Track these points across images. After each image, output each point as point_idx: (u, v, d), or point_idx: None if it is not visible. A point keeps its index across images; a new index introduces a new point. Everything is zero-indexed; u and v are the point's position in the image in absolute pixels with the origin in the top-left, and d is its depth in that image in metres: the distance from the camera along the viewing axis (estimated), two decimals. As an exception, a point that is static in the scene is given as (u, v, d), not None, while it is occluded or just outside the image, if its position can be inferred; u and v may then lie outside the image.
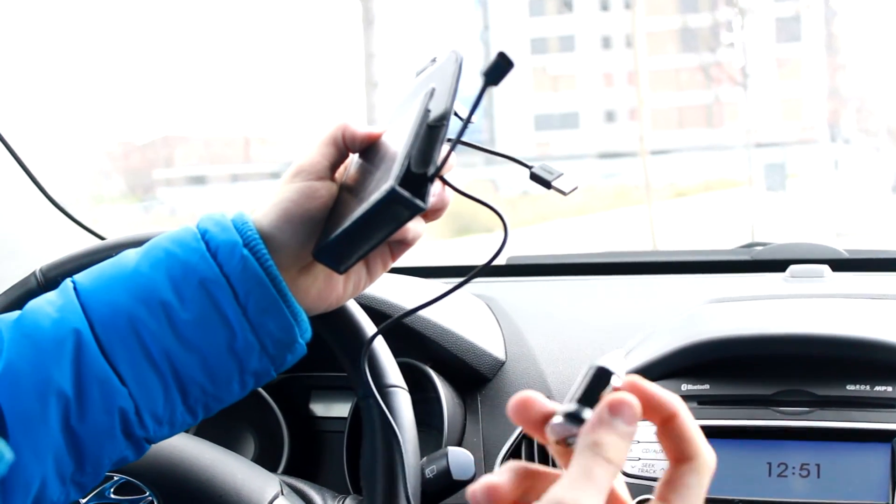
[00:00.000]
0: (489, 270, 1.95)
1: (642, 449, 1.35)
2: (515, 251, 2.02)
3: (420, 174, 0.91)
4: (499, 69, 0.86)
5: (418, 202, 0.90)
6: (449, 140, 0.93)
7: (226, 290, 0.98)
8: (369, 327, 1.15)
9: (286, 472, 1.57)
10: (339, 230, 0.94)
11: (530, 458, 1.42)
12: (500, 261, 1.97)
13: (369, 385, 1.13)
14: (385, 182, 0.89)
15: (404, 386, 1.15)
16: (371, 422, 1.11)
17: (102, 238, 1.69)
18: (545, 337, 1.58)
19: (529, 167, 1.06)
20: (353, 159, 1.05)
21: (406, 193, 0.89)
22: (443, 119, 0.92)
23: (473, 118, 0.93)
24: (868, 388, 1.33)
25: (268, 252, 0.99)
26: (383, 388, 1.14)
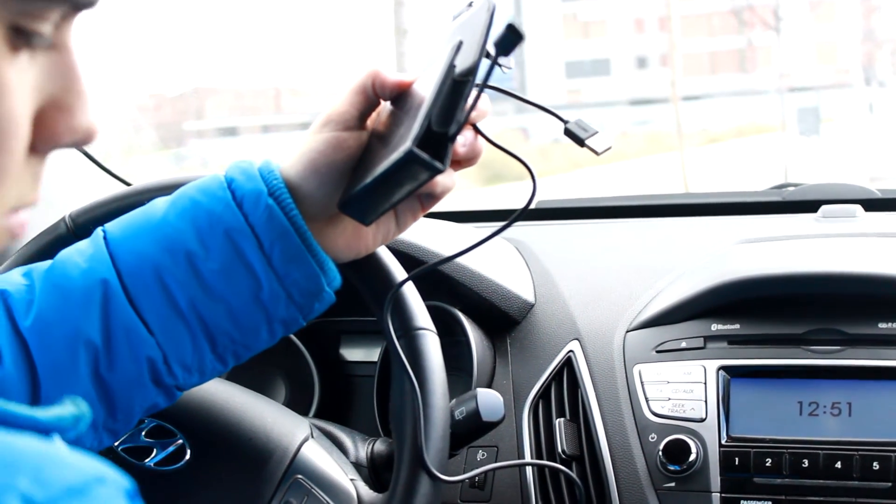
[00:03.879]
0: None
1: (672, 390, 1.35)
2: (548, 197, 2.02)
3: (441, 133, 0.90)
4: (508, 41, 0.85)
5: (437, 164, 0.89)
6: (477, 86, 0.92)
7: (251, 240, 0.98)
8: (399, 272, 1.14)
9: (317, 416, 1.58)
10: (361, 185, 0.94)
11: (560, 400, 1.42)
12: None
13: (397, 327, 1.13)
14: (405, 141, 0.89)
15: (433, 328, 1.15)
16: (399, 364, 1.11)
17: (129, 184, 1.69)
18: (574, 279, 1.57)
19: (565, 122, 1.04)
20: (386, 105, 1.04)
21: (424, 155, 0.89)
22: (468, 75, 0.90)
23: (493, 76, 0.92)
24: (900, 325, 1.32)
25: (293, 202, 0.99)
26: (411, 330, 1.13)
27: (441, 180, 1.00)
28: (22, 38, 0.53)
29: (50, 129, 0.57)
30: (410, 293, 1.15)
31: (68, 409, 0.53)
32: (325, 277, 1.02)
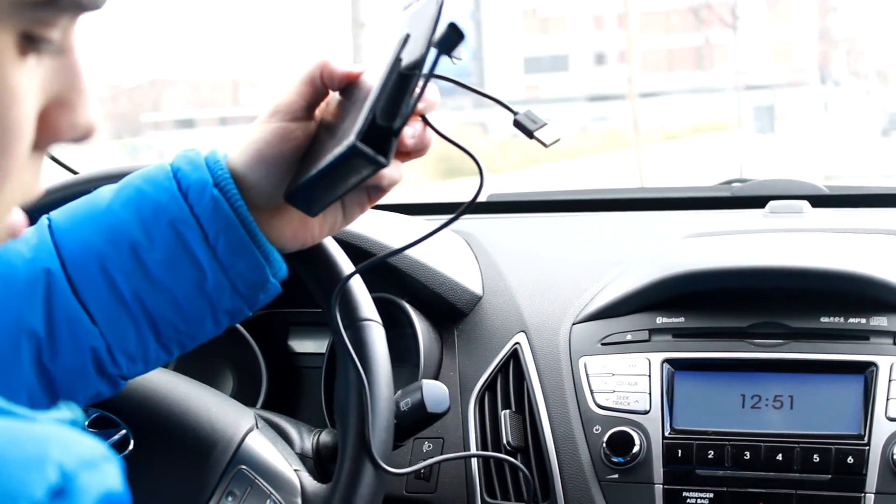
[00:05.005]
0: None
1: (616, 382, 1.35)
2: (503, 191, 2.02)
3: (385, 127, 0.90)
4: (449, 40, 0.85)
5: (380, 158, 0.90)
6: (424, 76, 0.91)
7: (195, 231, 0.97)
8: (346, 264, 1.14)
9: (264, 407, 1.57)
10: (307, 177, 0.95)
11: (505, 392, 1.42)
12: (481, 198, 1.96)
13: (343, 318, 1.12)
14: (348, 135, 0.89)
15: (378, 320, 1.15)
16: (345, 355, 1.11)
17: (76, 173, 1.68)
18: (523, 272, 1.58)
19: (514, 113, 1.04)
20: (335, 95, 1.04)
21: (367, 150, 0.89)
22: (414, 69, 0.90)
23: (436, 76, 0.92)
24: (842, 320, 1.34)
25: (238, 192, 0.98)
26: (357, 321, 1.13)
27: (387, 173, 1.00)
28: (32, 44, 0.53)
29: (53, 127, 0.57)
30: (357, 285, 1.15)
31: (65, 413, 0.54)
32: (271, 268, 1.02)
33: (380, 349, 1.13)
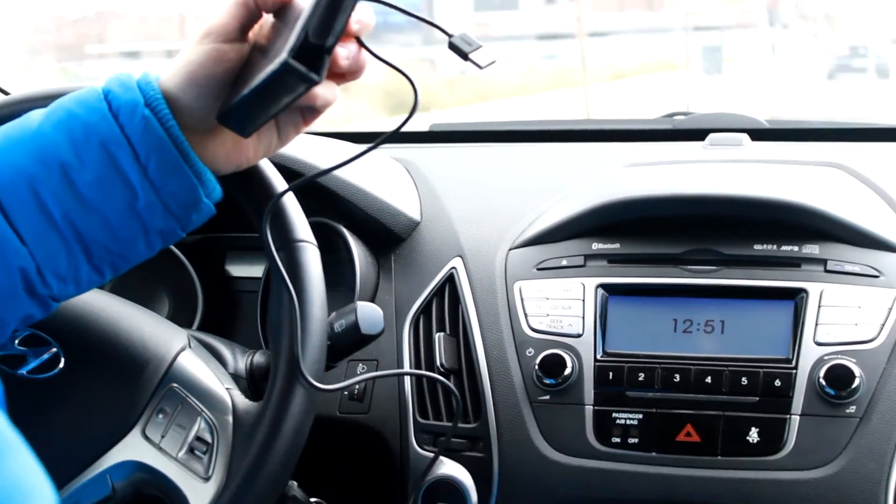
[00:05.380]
0: (411, 137, 1.94)
1: (551, 306, 1.36)
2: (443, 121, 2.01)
3: (318, 45, 0.91)
4: None
5: (312, 75, 0.91)
6: None
7: (126, 151, 0.97)
8: (280, 184, 1.14)
9: (200, 330, 1.57)
10: (239, 97, 0.95)
11: (441, 316, 1.43)
12: (423, 127, 1.96)
13: (277, 239, 1.12)
14: (281, 53, 0.89)
15: (313, 241, 1.15)
16: (278, 276, 1.10)
17: (7, 94, 1.65)
18: (462, 199, 1.58)
19: (449, 35, 1.04)
20: (268, 17, 1.03)
21: (299, 67, 0.90)
22: None
23: None
24: (775, 247, 1.35)
25: (170, 112, 0.98)
26: (291, 242, 1.13)
27: (321, 93, 0.99)
28: None
29: None
30: (291, 205, 1.15)
31: None
32: (204, 189, 1.01)
33: (314, 270, 1.13)
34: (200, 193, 1.01)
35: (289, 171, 1.33)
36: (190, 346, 1.19)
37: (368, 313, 1.19)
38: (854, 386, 1.25)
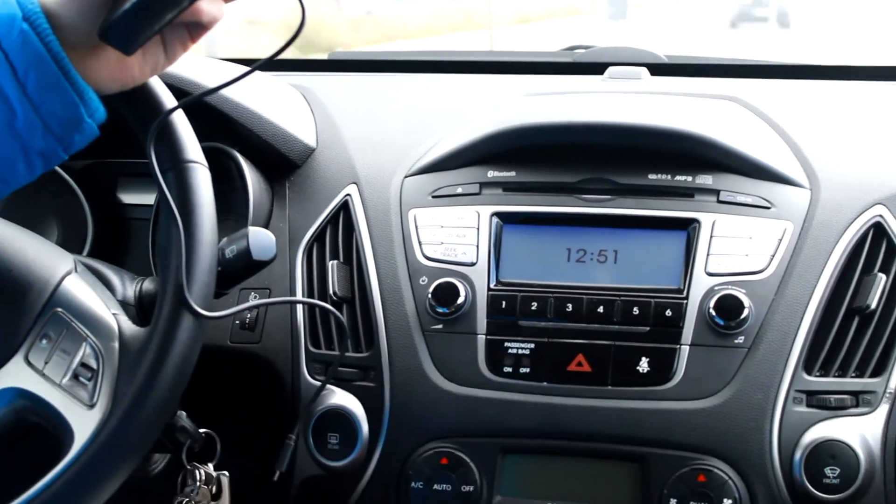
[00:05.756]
0: (310, 65, 1.92)
1: (445, 234, 1.36)
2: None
3: None
4: None
5: None
6: None
7: (4, 66, 0.94)
8: (169, 102, 1.11)
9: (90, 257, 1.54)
10: (120, 11, 0.93)
11: (334, 243, 1.42)
12: (322, 55, 1.93)
13: (165, 160, 1.10)
14: None
15: (203, 162, 1.12)
16: (165, 198, 1.08)
17: None
18: (358, 127, 1.56)
19: None
20: None
21: None
22: None
23: None
24: (669, 177, 1.36)
25: (50, 27, 0.95)
26: (180, 163, 1.10)
27: (207, 8, 0.98)
28: None
29: None
30: (181, 124, 1.12)
31: None
32: (86, 108, 0.98)
33: (203, 192, 1.11)
34: (82, 112, 0.98)
35: (178, 90, 1.30)
36: (76, 271, 1.16)
37: (260, 239, 1.17)
38: (743, 316, 1.27)
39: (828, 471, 1.23)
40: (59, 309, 1.12)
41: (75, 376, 1.09)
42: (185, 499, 1.34)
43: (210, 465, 1.35)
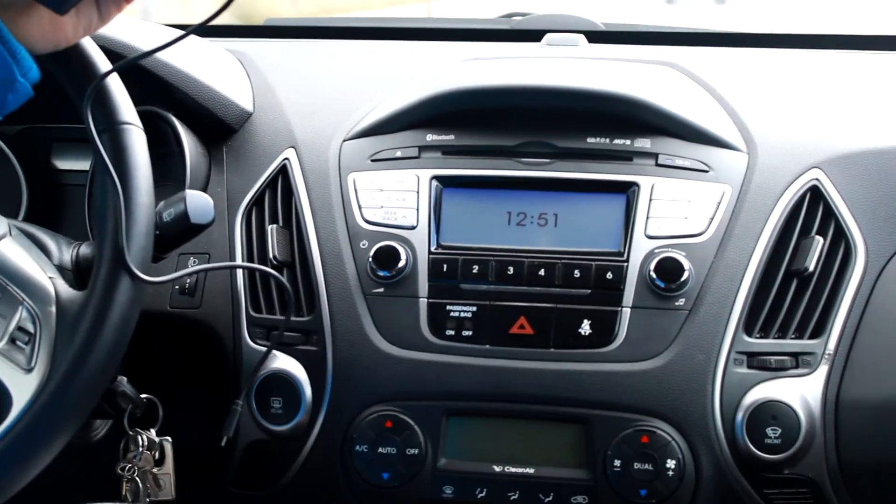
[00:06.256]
0: (246, 31, 1.90)
1: (385, 198, 1.35)
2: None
3: None
4: None
5: None
6: None
7: None
8: (104, 64, 1.10)
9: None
10: None
11: (273, 208, 1.41)
12: (257, 21, 1.92)
13: (100, 122, 1.08)
14: None
15: (139, 124, 1.11)
16: (101, 161, 1.06)
17: None
18: (296, 91, 1.55)
19: None
20: None
21: None
22: None
23: None
24: (607, 140, 1.36)
25: None
26: (116, 125, 1.09)
27: None
28: None
29: None
30: (116, 87, 1.11)
31: None
32: (19, 68, 0.97)
33: (139, 154, 1.10)
34: (15, 72, 0.97)
35: (113, 54, 1.28)
36: (11, 235, 1.15)
37: (198, 202, 1.17)
38: (683, 279, 1.28)
39: (769, 431, 1.24)
40: None
41: (12, 340, 1.08)
42: (128, 464, 1.33)
43: (153, 431, 1.35)
